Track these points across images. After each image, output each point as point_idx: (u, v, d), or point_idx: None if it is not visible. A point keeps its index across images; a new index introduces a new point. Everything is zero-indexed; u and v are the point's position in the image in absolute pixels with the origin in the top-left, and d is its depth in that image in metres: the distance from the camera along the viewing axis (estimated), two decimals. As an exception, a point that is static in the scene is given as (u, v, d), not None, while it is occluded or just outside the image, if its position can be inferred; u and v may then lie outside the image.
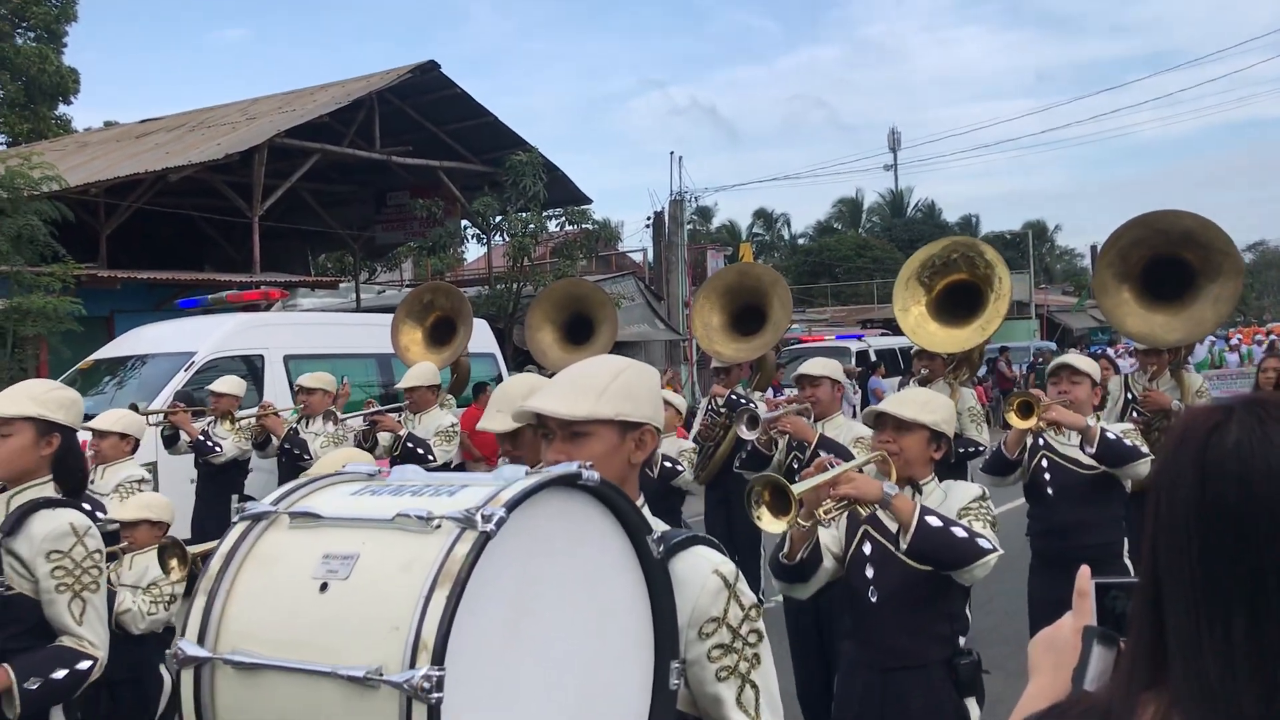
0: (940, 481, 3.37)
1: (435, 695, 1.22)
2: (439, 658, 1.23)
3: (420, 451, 6.89)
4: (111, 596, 3.94)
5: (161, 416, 8.11)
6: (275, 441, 7.73)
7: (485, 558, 1.30)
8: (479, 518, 1.31)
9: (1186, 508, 0.94)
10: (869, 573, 3.23)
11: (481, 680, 1.32)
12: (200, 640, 1.39)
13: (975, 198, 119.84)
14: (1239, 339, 23.07)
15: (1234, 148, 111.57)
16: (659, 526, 1.74)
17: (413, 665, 1.24)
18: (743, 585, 1.82)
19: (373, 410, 7.82)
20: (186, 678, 1.38)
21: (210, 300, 11.73)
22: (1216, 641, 0.91)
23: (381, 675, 1.24)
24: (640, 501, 1.83)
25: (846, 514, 3.23)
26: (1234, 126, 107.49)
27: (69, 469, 3.07)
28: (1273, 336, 22.28)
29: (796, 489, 2.90)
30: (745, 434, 5.84)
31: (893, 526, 3.18)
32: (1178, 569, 0.94)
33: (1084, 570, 1.13)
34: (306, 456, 7.31)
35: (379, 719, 1.25)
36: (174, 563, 3.98)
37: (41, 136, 24.84)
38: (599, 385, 1.86)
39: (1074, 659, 1.07)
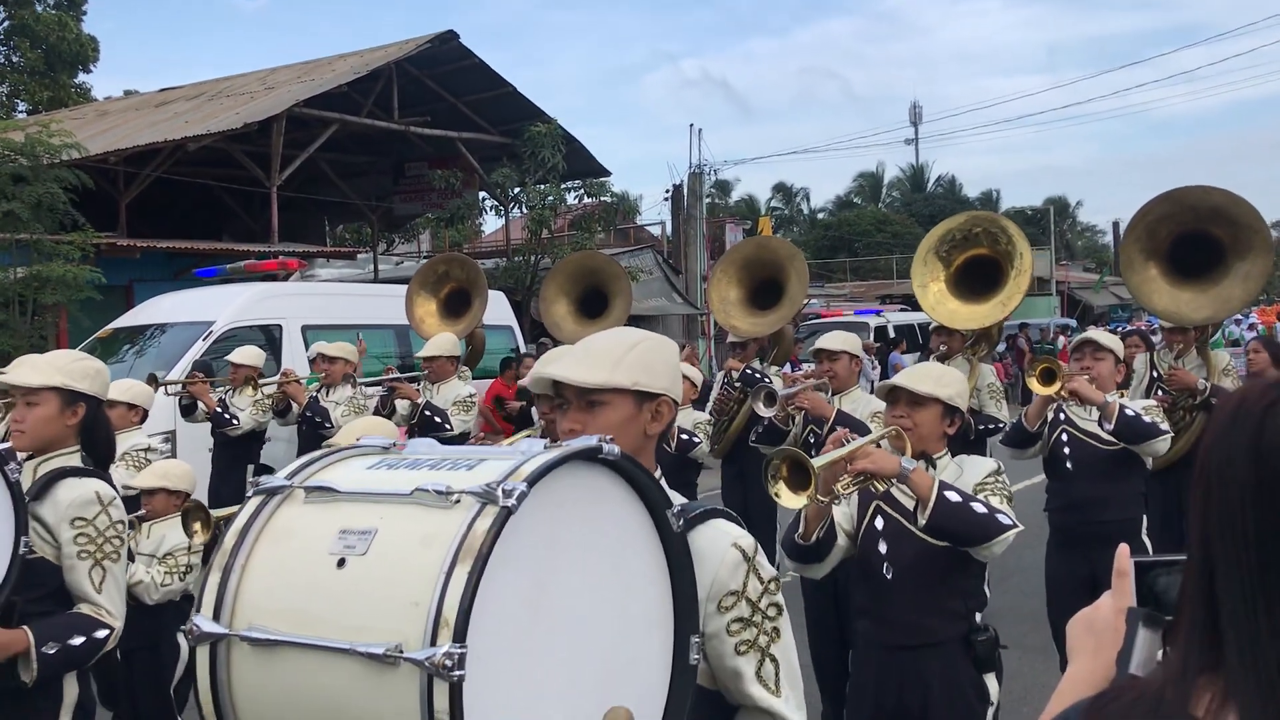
0: (955, 457, 3.34)
1: (457, 673, 1.19)
2: (460, 635, 1.20)
3: (438, 420, 6.90)
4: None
5: (180, 387, 8.16)
6: (296, 409, 7.75)
7: (506, 533, 1.27)
8: (500, 493, 1.28)
9: (1241, 489, 0.91)
10: (882, 548, 3.20)
11: (502, 657, 1.30)
12: (216, 616, 1.36)
13: (996, 173, 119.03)
14: (1255, 318, 22.73)
15: (1258, 124, 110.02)
16: (677, 500, 1.72)
17: (434, 642, 1.21)
18: (761, 559, 1.81)
19: (391, 377, 7.84)
20: (202, 654, 1.37)
21: (229, 269, 11.76)
22: (1274, 627, 0.88)
23: (401, 652, 1.21)
24: (657, 474, 1.82)
25: (858, 490, 3.21)
26: (1258, 102, 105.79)
27: (96, 439, 3.10)
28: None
29: (816, 464, 2.88)
30: (763, 411, 5.82)
31: (909, 502, 3.14)
32: (1231, 552, 0.91)
33: (1123, 549, 1.10)
34: (328, 425, 7.31)
35: (399, 697, 1.22)
36: (197, 526, 4.07)
37: (61, 105, 24.87)
38: (615, 355, 1.85)
39: (1116, 641, 1.03)
